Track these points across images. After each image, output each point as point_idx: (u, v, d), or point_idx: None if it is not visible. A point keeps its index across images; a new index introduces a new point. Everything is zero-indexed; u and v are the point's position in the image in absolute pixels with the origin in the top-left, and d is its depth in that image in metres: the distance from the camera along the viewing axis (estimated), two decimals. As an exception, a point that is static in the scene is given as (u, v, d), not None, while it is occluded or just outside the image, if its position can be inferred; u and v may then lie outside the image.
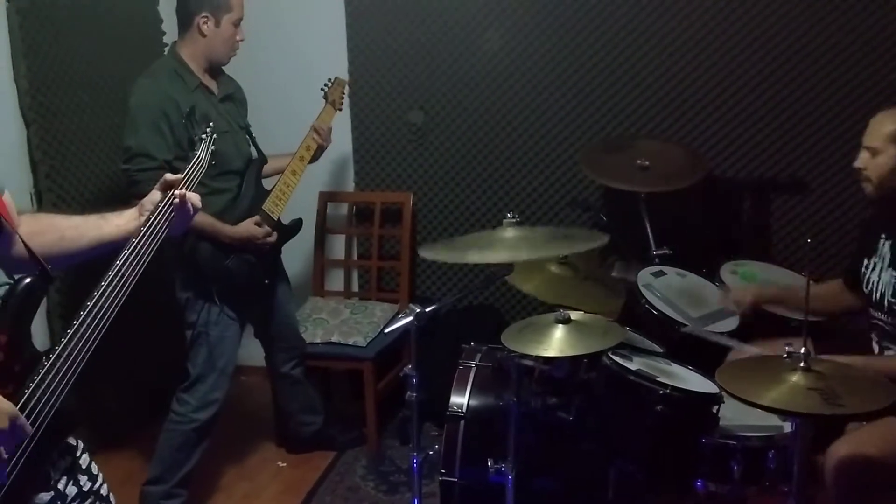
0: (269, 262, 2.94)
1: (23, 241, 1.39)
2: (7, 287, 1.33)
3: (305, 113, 3.13)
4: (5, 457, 1.22)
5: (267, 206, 2.87)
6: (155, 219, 1.51)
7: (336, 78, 3.23)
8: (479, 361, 2.53)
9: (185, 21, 2.78)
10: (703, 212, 3.39)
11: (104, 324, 1.35)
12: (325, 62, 3.60)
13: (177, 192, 1.56)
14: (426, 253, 2.28)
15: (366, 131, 3.72)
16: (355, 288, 3.88)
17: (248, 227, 2.79)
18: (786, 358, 1.81)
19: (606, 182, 3.20)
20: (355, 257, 3.86)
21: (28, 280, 1.31)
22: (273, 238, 2.87)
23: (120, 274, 1.39)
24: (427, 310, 2.21)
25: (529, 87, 3.52)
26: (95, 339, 1.34)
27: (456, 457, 2.39)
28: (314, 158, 3.08)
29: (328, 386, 3.57)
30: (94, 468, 1.53)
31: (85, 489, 1.48)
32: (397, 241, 3.74)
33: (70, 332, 1.32)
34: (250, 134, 2.96)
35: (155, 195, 1.57)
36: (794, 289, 2.67)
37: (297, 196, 3.02)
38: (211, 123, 1.91)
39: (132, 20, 3.48)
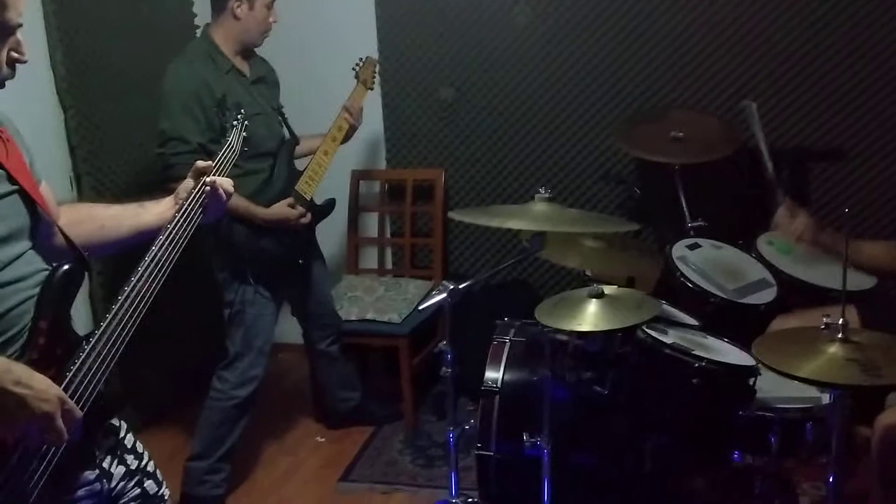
0: (303, 242, 2.98)
1: (60, 230, 1.43)
2: (46, 274, 1.36)
3: (336, 92, 3.14)
4: (66, 437, 1.25)
5: (300, 186, 2.90)
6: (188, 206, 1.53)
7: (367, 57, 3.23)
8: (513, 337, 2.54)
9: (219, 4, 2.79)
10: (738, 183, 3.34)
11: (142, 307, 1.38)
12: (354, 40, 3.60)
13: (208, 178, 1.57)
14: (457, 215, 2.29)
15: (396, 109, 3.72)
16: (389, 265, 3.91)
17: (281, 208, 2.82)
18: (823, 329, 1.79)
19: (640, 154, 3.17)
20: (388, 235, 3.88)
21: (66, 266, 1.35)
22: (307, 219, 2.90)
23: (156, 259, 1.41)
24: (461, 286, 2.23)
25: (561, 61, 3.48)
26: (134, 322, 1.37)
27: (491, 431, 2.41)
28: (346, 139, 3.09)
29: (364, 362, 3.61)
30: (140, 447, 1.57)
31: (133, 467, 1.53)
32: (430, 218, 3.75)
33: (109, 316, 1.34)
34: (282, 115, 2.98)
35: (188, 182, 1.59)
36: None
37: (329, 175, 3.04)
38: (242, 111, 1.92)
39: (164, 6, 3.51)
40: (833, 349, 1.74)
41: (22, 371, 1.21)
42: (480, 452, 2.42)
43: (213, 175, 1.61)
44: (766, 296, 2.60)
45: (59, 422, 1.23)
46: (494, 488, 2.45)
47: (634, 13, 3.35)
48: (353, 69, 3.19)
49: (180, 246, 1.47)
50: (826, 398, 2.08)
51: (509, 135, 3.62)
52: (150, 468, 1.57)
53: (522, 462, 2.28)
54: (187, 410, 3.06)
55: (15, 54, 1.28)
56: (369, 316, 3.33)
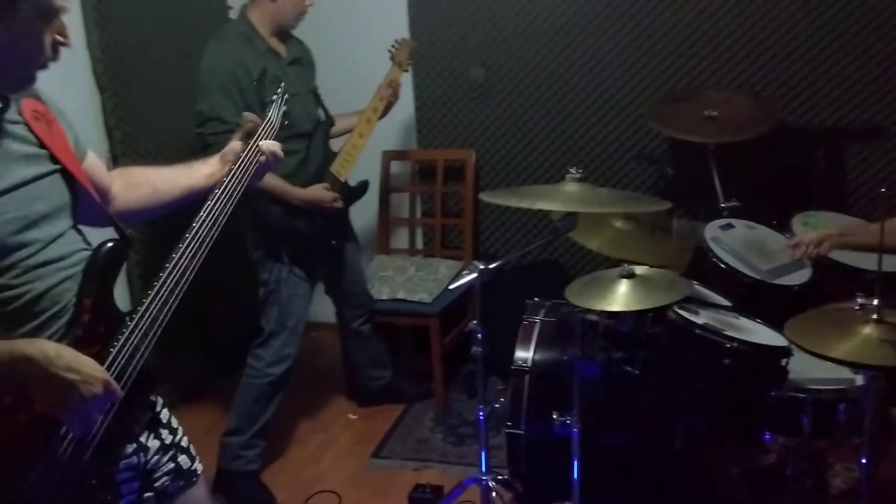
0: (336, 223, 3.00)
1: (106, 212, 1.45)
2: (90, 253, 1.38)
3: (367, 73, 3.15)
4: (98, 417, 1.28)
5: (334, 167, 2.92)
6: (240, 166, 1.54)
7: (403, 39, 3.24)
8: (544, 317, 2.55)
9: None
10: (772, 162, 3.30)
11: (185, 281, 1.39)
12: (385, 21, 3.61)
13: (261, 143, 1.59)
14: (487, 196, 2.29)
15: (427, 89, 3.72)
16: (420, 245, 3.93)
17: (316, 190, 2.85)
18: (857, 310, 1.78)
19: (673, 134, 3.14)
20: (419, 215, 3.90)
21: (109, 244, 1.37)
22: (340, 204, 2.93)
23: (203, 224, 1.43)
24: (491, 266, 2.24)
25: (592, 40, 3.45)
26: (177, 296, 1.38)
27: (522, 410, 2.43)
28: (382, 115, 3.11)
29: (395, 342, 3.64)
30: (174, 422, 1.60)
31: (167, 442, 1.56)
32: (460, 199, 3.76)
33: (151, 292, 1.36)
34: (318, 96, 3.00)
35: (236, 145, 1.60)
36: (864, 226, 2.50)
37: (361, 156, 3.06)
38: (282, 84, 1.94)
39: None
40: (867, 330, 1.73)
41: (71, 356, 1.23)
42: (510, 431, 2.44)
43: (253, 151, 1.62)
44: (800, 277, 2.58)
45: (106, 398, 1.26)
46: (524, 467, 2.47)
47: (668, -9, 3.31)
48: (389, 51, 3.20)
49: (228, 210, 1.48)
50: (859, 379, 2.07)
51: (540, 115, 3.61)
52: (183, 443, 1.60)
53: (552, 441, 2.30)
54: (225, 387, 3.12)
55: (59, 38, 1.30)
56: (400, 295, 3.36)
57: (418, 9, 3.63)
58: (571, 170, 2.28)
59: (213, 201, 1.47)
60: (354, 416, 3.42)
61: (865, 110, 3.22)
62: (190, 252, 1.41)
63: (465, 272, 2.28)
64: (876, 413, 1.87)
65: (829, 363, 1.72)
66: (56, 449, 1.27)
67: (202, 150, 2.73)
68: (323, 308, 3.39)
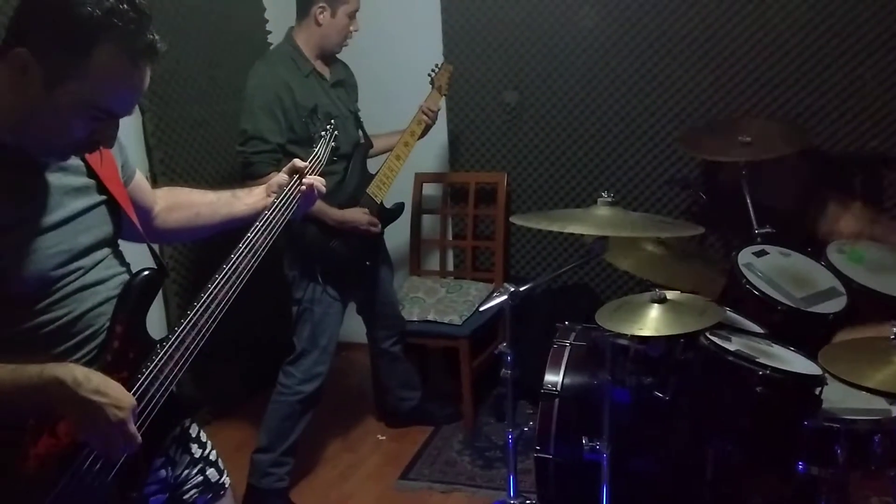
0: (371, 244, 3.04)
1: (148, 245, 1.49)
2: (127, 278, 1.41)
3: (402, 97, 3.19)
4: (122, 442, 1.27)
5: (371, 189, 2.96)
6: (281, 201, 1.57)
7: (443, 64, 3.29)
8: (574, 340, 2.53)
9: (303, 9, 2.87)
10: (808, 188, 3.26)
11: (220, 310, 1.40)
12: (420, 45, 3.66)
13: (305, 178, 1.62)
14: (519, 219, 2.31)
15: (461, 112, 3.76)
16: (451, 267, 3.94)
17: (354, 213, 2.89)
18: (893, 339, 1.75)
19: (706, 156, 3.12)
20: (450, 237, 3.92)
21: (146, 273, 1.39)
22: (377, 228, 2.96)
23: (241, 255, 1.44)
24: (522, 289, 2.24)
25: (626, 65, 3.47)
26: (211, 325, 1.39)
27: (551, 434, 2.41)
28: (421, 135, 3.15)
29: (425, 363, 3.65)
30: (203, 436, 1.63)
31: (196, 456, 1.58)
32: (492, 221, 3.78)
33: (185, 319, 1.37)
34: (358, 119, 3.05)
35: (282, 178, 1.63)
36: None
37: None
38: (332, 122, 1.97)
39: (238, 13, 3.62)
40: (903, 360, 1.70)
41: (100, 380, 1.24)
42: (539, 455, 2.43)
43: (296, 186, 1.64)
44: (836, 305, 2.54)
45: (132, 427, 1.26)
46: (553, 491, 2.45)
47: (702, 17, 3.32)
48: (429, 75, 3.25)
49: (269, 241, 1.50)
50: (895, 410, 2.03)
51: (573, 139, 3.62)
52: (212, 457, 1.62)
53: (581, 466, 2.28)
54: (260, 403, 3.14)
55: (97, 137, 1.29)
56: (430, 317, 3.37)
57: (453, 33, 3.68)
58: (603, 193, 2.28)
59: (254, 233, 1.49)
60: (383, 437, 3.42)
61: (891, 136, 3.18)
62: (226, 282, 1.42)
63: (495, 294, 2.29)
64: (912, 445, 1.84)
65: (865, 392, 1.70)
66: (78, 471, 1.28)
67: (244, 168, 2.80)
68: (354, 328, 3.41)
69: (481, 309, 3.34)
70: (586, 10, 3.47)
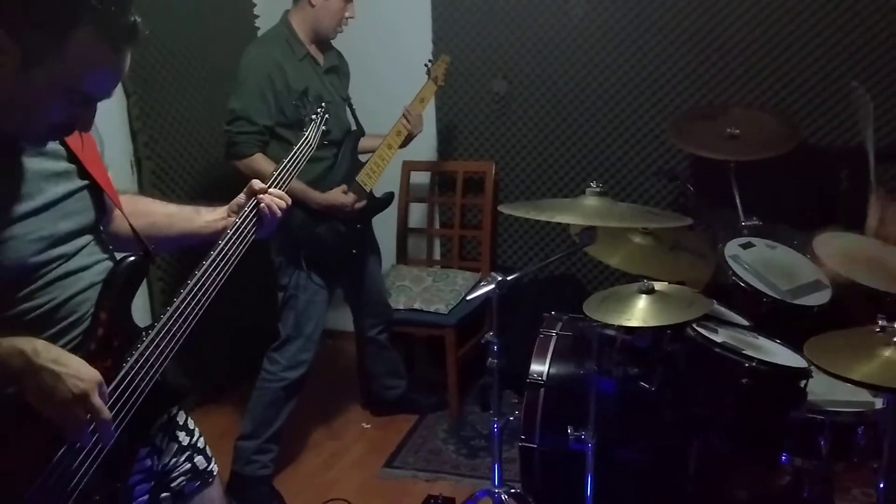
0: (358, 232, 3.02)
1: (129, 224, 1.45)
2: (111, 264, 1.38)
3: (390, 86, 3.18)
4: (90, 423, 1.24)
5: (360, 177, 2.95)
6: (240, 223, 1.51)
7: (441, 55, 3.28)
8: (560, 330, 2.53)
9: None
10: (794, 182, 3.27)
11: (207, 298, 1.40)
12: (409, 32, 3.64)
13: (261, 196, 1.55)
14: (507, 208, 2.30)
15: (449, 101, 3.74)
16: (437, 256, 3.93)
17: (336, 194, 2.86)
18: (878, 332, 1.76)
19: (694, 151, 3.13)
20: (438, 226, 3.91)
21: (130, 259, 1.37)
22: (361, 205, 2.94)
23: (213, 268, 1.42)
24: (508, 278, 2.24)
25: (615, 55, 3.46)
26: (197, 313, 1.38)
27: (536, 423, 2.41)
28: (404, 144, 3.12)
29: (411, 352, 3.65)
30: (191, 423, 1.61)
31: (184, 444, 1.57)
32: (479, 210, 3.77)
33: (170, 310, 1.36)
34: (351, 106, 3.03)
35: (241, 198, 1.58)
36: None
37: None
38: (323, 104, 1.94)
39: (226, 1, 3.57)
40: (888, 353, 1.71)
41: (59, 352, 1.23)
42: (524, 444, 2.43)
43: (277, 184, 1.60)
44: (821, 297, 2.55)
45: (97, 400, 1.23)
46: (537, 481, 2.45)
47: (692, 7, 3.31)
48: (426, 65, 3.23)
49: (232, 262, 1.46)
50: (879, 402, 2.05)
51: (561, 128, 3.61)
52: (200, 444, 1.61)
53: (566, 456, 2.28)
54: (246, 389, 3.12)
55: (76, 120, 1.27)
56: (417, 306, 3.36)
57: (442, 21, 3.65)
58: (591, 184, 2.28)
59: (217, 251, 1.45)
60: (368, 425, 3.42)
61: (892, 131, 3.19)
62: (213, 269, 1.41)
63: (482, 284, 2.28)
64: (895, 437, 1.85)
65: (849, 385, 1.70)
66: (59, 461, 1.26)
67: (228, 147, 2.78)
68: (341, 316, 3.40)
69: (468, 298, 3.32)
70: (575, 0, 3.46)
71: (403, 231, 3.83)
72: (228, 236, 1.48)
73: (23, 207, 1.25)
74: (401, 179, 3.77)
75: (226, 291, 1.44)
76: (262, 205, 1.54)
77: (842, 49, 3.18)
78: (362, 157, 3.04)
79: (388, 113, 3.12)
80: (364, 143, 3.07)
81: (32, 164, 1.29)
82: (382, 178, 3.07)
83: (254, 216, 1.54)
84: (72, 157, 1.35)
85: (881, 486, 1.87)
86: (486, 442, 3.17)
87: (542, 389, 2.42)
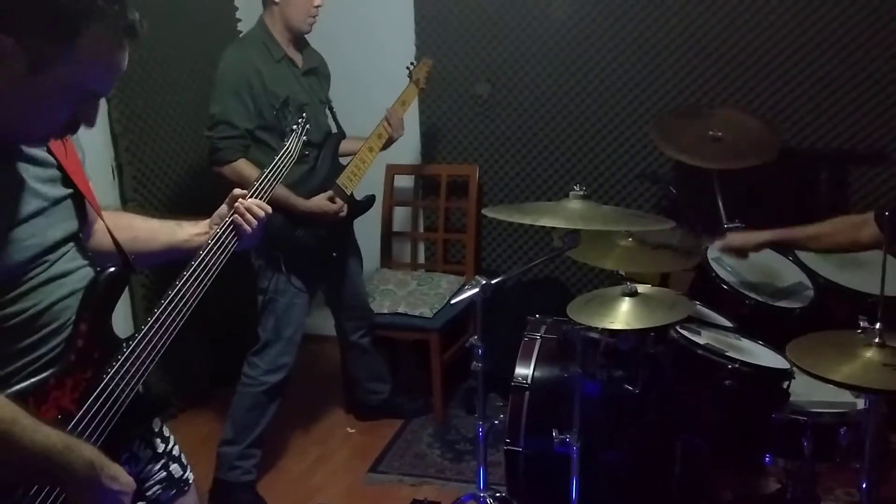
0: (338, 235, 3.01)
1: (110, 233, 1.44)
2: (91, 273, 1.37)
3: (372, 89, 3.18)
4: None
5: (341, 180, 2.93)
6: (220, 235, 1.51)
7: (423, 59, 3.27)
8: (545, 333, 2.54)
9: None
10: (776, 184, 3.30)
11: (188, 308, 1.40)
12: (392, 36, 3.64)
13: (240, 203, 1.55)
14: (490, 212, 2.30)
15: (433, 104, 3.74)
16: (422, 260, 3.93)
17: (320, 201, 2.85)
18: (860, 333, 1.77)
19: (677, 156, 3.14)
20: (422, 230, 3.90)
21: (111, 270, 1.35)
22: (344, 213, 2.93)
23: (193, 279, 1.42)
24: (493, 282, 2.23)
25: (598, 58, 3.47)
26: (178, 323, 1.39)
27: (521, 427, 2.41)
28: (385, 147, 3.11)
29: (395, 356, 3.64)
30: (166, 430, 1.60)
31: (159, 451, 1.56)
32: (463, 214, 3.76)
33: (150, 321, 1.36)
34: (331, 108, 3.02)
35: (223, 209, 1.57)
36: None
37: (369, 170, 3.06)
38: (304, 115, 1.94)
39: (208, 2, 3.56)
40: (869, 354, 1.72)
41: (116, 468, 1.27)
42: (509, 448, 2.43)
43: (257, 194, 1.59)
44: (803, 299, 2.57)
45: None
46: (522, 484, 2.45)
47: (675, 10, 3.33)
48: (408, 68, 3.23)
49: (212, 273, 1.46)
50: (861, 403, 2.06)
51: (545, 132, 3.62)
52: (175, 452, 1.60)
53: (551, 459, 2.28)
54: (224, 396, 3.10)
55: (81, 119, 1.28)
56: (401, 309, 3.35)
57: (425, 24, 3.65)
58: (575, 187, 2.28)
59: (198, 262, 1.45)
60: (352, 430, 3.40)
61: (870, 134, 3.23)
62: (194, 279, 1.42)
63: (466, 287, 2.28)
64: (877, 438, 1.86)
65: (831, 386, 1.71)
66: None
67: (210, 153, 2.76)
68: (323, 321, 3.38)
69: (452, 302, 3.31)
70: (559, 1, 3.46)
71: (388, 235, 3.82)
72: (209, 246, 1.47)
73: (19, 213, 1.25)
74: (384, 183, 3.76)
75: (206, 296, 1.44)
76: (240, 215, 1.53)
77: (822, 52, 3.20)
78: (343, 161, 3.03)
79: (370, 116, 3.11)
80: (345, 146, 3.06)
81: (25, 170, 1.28)
82: (365, 180, 3.06)
83: (233, 227, 1.53)
84: (58, 166, 1.35)
85: (863, 485, 1.88)
86: (471, 446, 3.16)
87: (527, 393, 2.42)
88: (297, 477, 3.08)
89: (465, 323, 3.47)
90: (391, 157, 3.79)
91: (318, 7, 2.88)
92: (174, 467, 1.58)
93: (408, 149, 3.84)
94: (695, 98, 3.38)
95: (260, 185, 1.63)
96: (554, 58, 3.52)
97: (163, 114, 3.29)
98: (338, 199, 2.89)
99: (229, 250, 1.52)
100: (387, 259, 3.81)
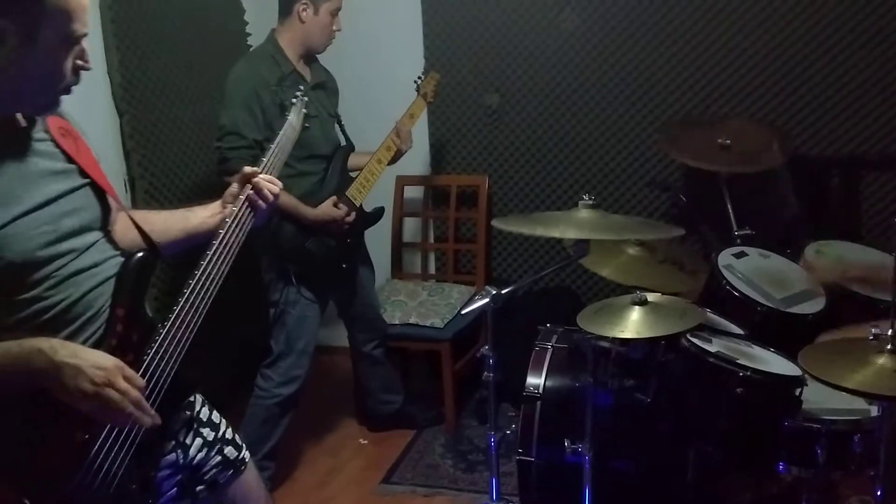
0: (348, 246, 3.02)
1: (133, 222, 1.50)
2: (121, 261, 1.44)
3: (381, 102, 3.19)
4: (124, 406, 1.30)
5: (350, 192, 2.95)
6: (238, 212, 1.57)
7: (431, 72, 3.29)
8: (555, 343, 2.54)
9: (286, 7, 2.87)
10: (788, 191, 3.29)
11: (211, 294, 1.47)
12: (401, 48, 3.65)
13: (255, 179, 1.60)
14: (500, 223, 2.31)
15: (442, 115, 3.75)
16: (432, 270, 3.93)
17: (327, 208, 2.87)
18: (872, 340, 1.76)
19: (686, 160, 3.14)
20: (432, 240, 3.91)
21: (139, 255, 1.42)
22: (352, 218, 2.94)
23: (217, 257, 1.49)
24: (503, 291, 2.24)
25: (607, 67, 3.48)
26: (205, 307, 1.45)
27: (533, 437, 2.41)
28: (393, 161, 3.13)
29: (407, 366, 3.64)
30: (216, 417, 1.69)
31: (209, 439, 1.64)
32: (473, 224, 3.77)
33: (181, 301, 1.42)
34: (340, 122, 3.04)
35: (233, 188, 1.62)
36: (877, 267, 2.52)
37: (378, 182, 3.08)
38: (301, 87, 1.96)
39: (218, 15, 3.59)
40: (882, 360, 1.71)
41: (76, 347, 1.30)
42: (521, 458, 2.43)
43: (265, 170, 1.65)
44: (815, 306, 2.56)
45: (121, 384, 1.29)
46: (535, 494, 2.45)
47: (683, 19, 3.33)
48: (415, 81, 3.24)
49: (235, 250, 1.53)
50: (874, 410, 2.04)
51: (554, 141, 3.62)
52: (227, 435, 1.69)
53: (563, 468, 2.28)
54: (237, 408, 3.10)
55: (80, 62, 1.35)
56: (412, 320, 3.36)
57: (434, 36, 3.67)
58: (584, 196, 2.28)
59: (219, 241, 1.51)
60: (365, 441, 3.40)
61: (880, 140, 3.22)
62: (212, 270, 1.48)
63: (477, 297, 2.29)
64: (891, 444, 1.85)
65: (844, 393, 1.71)
66: (98, 452, 1.33)
67: (219, 163, 2.79)
68: (335, 332, 3.39)
69: (463, 312, 3.32)
70: (567, 12, 3.47)
71: (398, 245, 3.83)
72: (228, 224, 1.54)
73: (24, 204, 1.31)
74: (394, 194, 3.77)
75: (219, 309, 1.47)
76: (256, 190, 1.59)
77: (831, 58, 3.20)
78: (352, 174, 3.05)
79: (379, 129, 3.13)
80: (354, 160, 3.08)
81: (32, 163, 1.35)
82: (375, 192, 3.08)
83: (249, 204, 1.60)
84: (69, 159, 1.41)
85: (878, 493, 1.87)
86: (483, 456, 3.16)
87: (539, 402, 2.42)
88: (311, 488, 3.09)
89: (476, 333, 3.47)
90: (401, 168, 3.79)
91: (337, 31, 2.92)
92: (229, 450, 1.67)
93: (417, 160, 3.85)
94: (704, 105, 3.38)
95: (269, 161, 1.68)
96: (562, 68, 3.53)
97: (174, 128, 3.31)
98: (342, 205, 2.90)
99: (247, 227, 1.58)
100: (397, 270, 3.82)
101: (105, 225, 1.47)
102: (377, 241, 3.78)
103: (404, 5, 3.67)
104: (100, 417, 1.31)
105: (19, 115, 1.36)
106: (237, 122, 2.75)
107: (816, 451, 2.07)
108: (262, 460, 2.88)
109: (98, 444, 1.33)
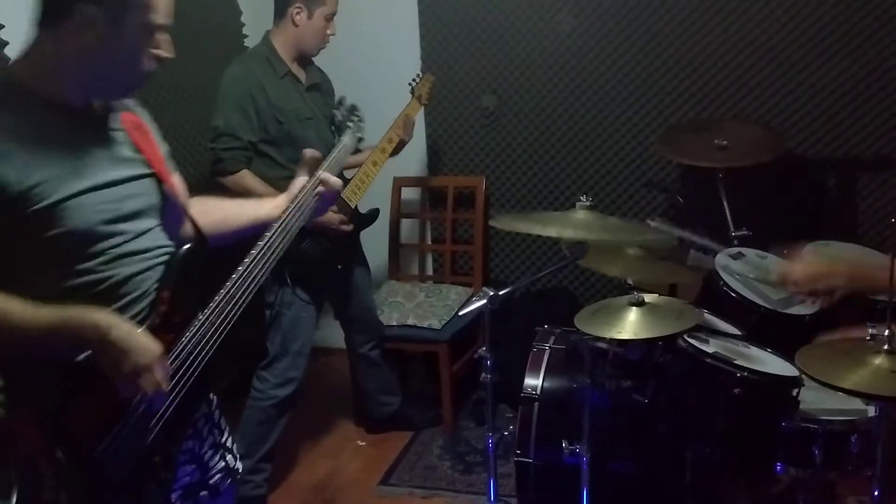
0: (345, 248, 3.02)
1: (188, 215, 1.59)
2: (171, 250, 1.53)
3: (379, 103, 3.16)
4: (164, 388, 1.40)
5: (346, 193, 2.95)
6: (301, 197, 1.66)
7: (426, 74, 3.29)
8: (553, 344, 2.54)
9: (280, 10, 2.87)
10: (784, 191, 3.30)
11: (252, 287, 1.55)
12: (398, 50, 3.65)
13: (321, 175, 1.71)
14: (498, 222, 2.32)
15: (439, 116, 3.75)
16: (430, 271, 3.93)
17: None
18: (869, 340, 1.76)
19: (682, 160, 3.15)
20: (429, 241, 3.91)
21: (189, 245, 1.51)
22: (349, 227, 2.94)
23: (268, 245, 1.58)
24: (501, 292, 2.24)
25: (603, 69, 3.48)
26: (247, 297, 1.54)
27: (531, 438, 2.41)
28: (395, 152, 3.14)
29: (404, 368, 3.64)
30: (223, 423, 1.72)
31: (218, 441, 1.67)
32: (470, 225, 3.77)
33: (225, 289, 1.51)
34: (334, 123, 3.04)
35: (302, 178, 1.71)
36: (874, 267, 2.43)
37: (373, 183, 3.07)
38: (358, 111, 2.00)
39: (214, 18, 3.59)
40: (879, 360, 1.71)
41: (128, 328, 1.37)
42: (519, 459, 2.43)
43: (330, 167, 1.75)
44: (812, 306, 2.56)
45: (157, 373, 1.38)
46: (533, 495, 2.45)
47: (679, 21, 3.34)
48: (410, 84, 3.24)
49: (291, 234, 1.62)
50: (871, 410, 2.05)
51: (551, 142, 3.62)
52: (229, 443, 1.72)
53: (561, 469, 2.28)
54: (236, 409, 3.10)
55: (160, 52, 1.47)
56: (410, 321, 3.36)
57: (430, 38, 3.67)
58: (582, 197, 2.29)
59: (279, 224, 1.60)
60: (363, 443, 3.40)
61: (877, 140, 3.22)
62: (260, 260, 1.57)
63: (474, 298, 2.29)
64: (888, 444, 1.85)
65: (841, 394, 1.71)
66: (128, 421, 1.40)
67: (213, 164, 2.80)
68: (333, 333, 3.39)
69: (461, 313, 3.32)
70: (563, 13, 3.48)
71: (395, 247, 3.83)
72: (289, 209, 1.64)
73: (94, 181, 1.41)
74: (391, 195, 3.77)
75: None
76: (324, 181, 1.70)
77: (827, 59, 3.21)
78: (347, 174, 3.05)
79: (376, 130, 3.12)
80: (352, 157, 3.07)
81: (104, 147, 1.46)
82: (372, 193, 3.08)
83: (316, 191, 1.70)
84: (137, 151, 1.52)
85: (875, 493, 1.87)
86: (481, 457, 3.16)
87: (537, 403, 2.42)
88: (308, 490, 3.08)
89: (473, 334, 3.47)
90: (398, 169, 3.80)
91: (331, 35, 2.92)
92: (229, 458, 1.70)
93: (414, 161, 3.85)
94: (701, 107, 3.39)
95: (328, 166, 1.77)
96: (559, 69, 3.54)
97: (170, 129, 3.28)
98: (342, 212, 2.90)
99: (307, 213, 1.68)
100: (395, 271, 3.82)
101: (162, 216, 1.55)
102: (374, 242, 3.78)
103: (401, 7, 3.67)
104: (127, 393, 1.38)
105: (96, 104, 1.47)
106: (231, 124, 2.75)
107: (814, 451, 2.07)
108: (259, 462, 2.88)
109: (130, 412, 1.40)
